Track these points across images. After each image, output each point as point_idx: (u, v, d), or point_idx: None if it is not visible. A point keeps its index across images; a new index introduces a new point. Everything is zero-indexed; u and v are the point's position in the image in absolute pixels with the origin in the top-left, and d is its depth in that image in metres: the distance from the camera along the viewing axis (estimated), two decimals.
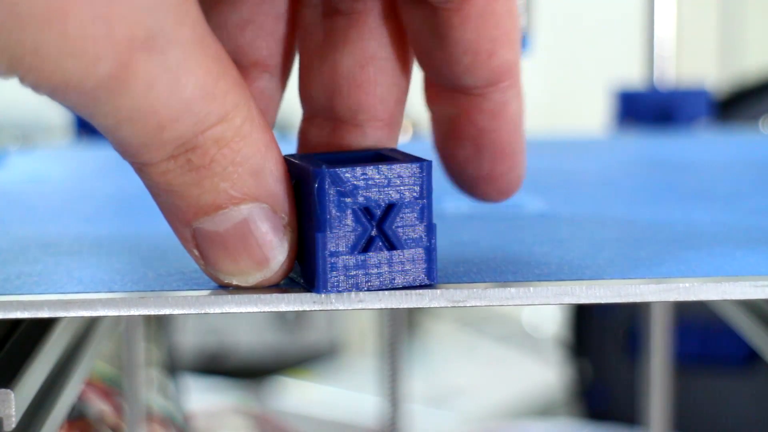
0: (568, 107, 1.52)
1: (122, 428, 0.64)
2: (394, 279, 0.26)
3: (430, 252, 0.27)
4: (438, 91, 0.30)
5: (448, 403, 1.11)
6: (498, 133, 0.29)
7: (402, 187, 0.26)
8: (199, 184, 0.25)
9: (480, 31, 0.27)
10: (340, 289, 0.26)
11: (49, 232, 0.34)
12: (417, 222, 0.26)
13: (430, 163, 0.26)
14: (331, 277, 0.26)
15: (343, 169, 0.26)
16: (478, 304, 0.26)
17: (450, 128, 0.30)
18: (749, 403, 0.96)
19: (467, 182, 0.30)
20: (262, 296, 0.26)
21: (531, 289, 0.27)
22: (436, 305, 0.26)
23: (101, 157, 0.53)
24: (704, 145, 0.60)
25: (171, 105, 0.24)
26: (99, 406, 0.65)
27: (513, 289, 0.27)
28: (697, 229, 0.35)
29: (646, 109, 0.67)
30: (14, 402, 0.26)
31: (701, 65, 1.45)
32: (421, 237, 0.26)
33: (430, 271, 0.27)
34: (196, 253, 0.26)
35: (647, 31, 0.72)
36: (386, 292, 0.26)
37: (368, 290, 0.26)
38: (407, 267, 0.26)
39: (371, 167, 0.26)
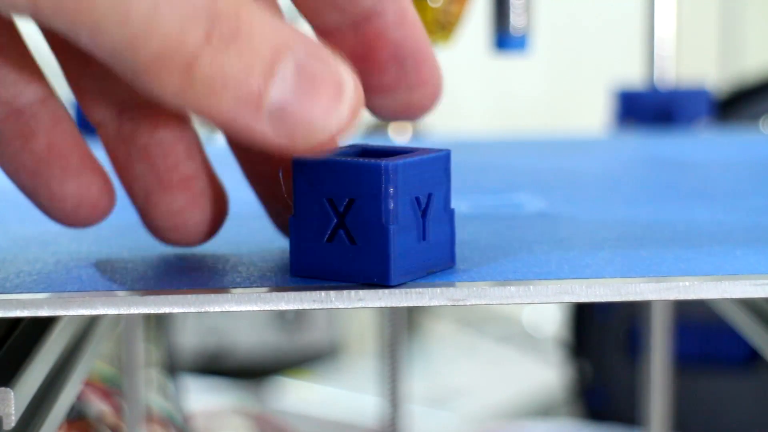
0: (568, 107, 1.52)
1: (122, 428, 0.64)
2: (355, 273, 0.27)
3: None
4: (340, 36, 0.30)
5: (448, 404, 1.11)
6: (411, 39, 0.29)
7: (365, 185, 0.26)
8: (242, 54, 0.24)
9: None
10: (307, 274, 0.27)
11: (48, 231, 0.34)
12: (377, 221, 0.26)
13: (393, 166, 0.26)
14: (300, 262, 0.27)
15: (313, 160, 0.27)
16: (478, 302, 0.26)
17: (366, 66, 0.29)
18: (749, 403, 0.96)
19: (396, 104, 0.30)
20: (262, 295, 0.26)
21: (531, 287, 0.27)
22: (437, 304, 0.26)
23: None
24: (704, 145, 0.60)
25: None
26: (99, 406, 0.65)
27: (513, 288, 0.27)
28: (697, 228, 0.35)
29: (646, 109, 0.67)
30: (14, 401, 0.26)
31: (701, 65, 1.45)
32: (379, 236, 0.26)
33: (386, 272, 0.26)
34: (277, 133, 0.25)
35: (647, 31, 0.72)
36: (386, 291, 0.26)
37: (332, 281, 0.27)
38: (366, 263, 0.27)
39: (338, 161, 0.26)
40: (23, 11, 0.23)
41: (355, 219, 0.27)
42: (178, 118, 0.30)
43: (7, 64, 0.29)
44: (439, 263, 0.28)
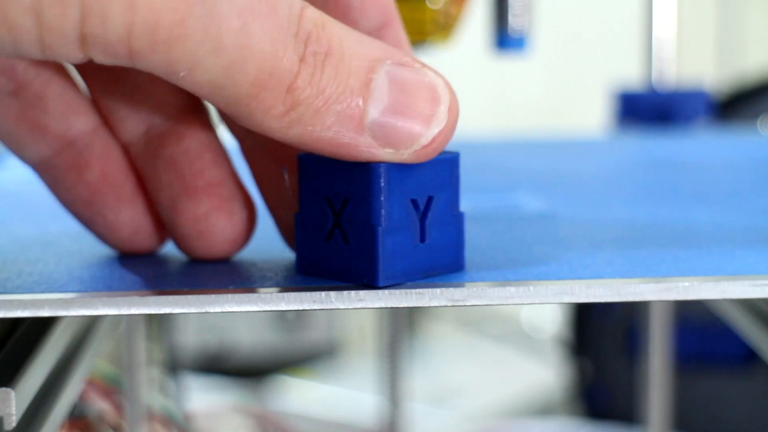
0: (568, 107, 1.52)
1: (123, 427, 0.64)
2: (349, 272, 0.27)
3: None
4: None
5: (448, 403, 1.11)
6: None
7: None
8: (338, 70, 0.25)
9: None
10: (310, 272, 0.27)
11: (49, 232, 0.34)
12: (367, 222, 0.26)
13: (385, 166, 0.26)
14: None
15: (314, 158, 0.27)
16: (478, 303, 0.27)
17: None
18: (749, 403, 0.96)
19: None
20: (263, 295, 0.26)
21: (531, 288, 0.27)
22: (436, 304, 0.26)
23: None
24: (704, 145, 0.60)
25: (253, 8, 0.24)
26: (99, 405, 0.65)
27: (513, 288, 0.27)
28: (697, 229, 0.35)
29: (646, 109, 0.67)
30: (15, 401, 0.26)
31: (701, 65, 1.45)
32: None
33: (374, 273, 0.26)
34: (381, 146, 0.25)
35: (647, 31, 0.72)
36: (386, 291, 0.26)
37: (330, 279, 0.27)
38: (358, 263, 0.27)
39: (335, 160, 0.26)
40: (121, 59, 0.24)
41: (348, 219, 0.27)
42: (205, 127, 0.30)
43: (57, 96, 0.29)
44: (443, 267, 0.28)
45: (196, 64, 0.24)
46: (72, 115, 0.29)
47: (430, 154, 0.26)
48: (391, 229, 0.26)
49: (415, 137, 0.26)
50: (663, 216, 0.38)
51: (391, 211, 0.26)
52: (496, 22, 0.58)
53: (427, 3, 0.51)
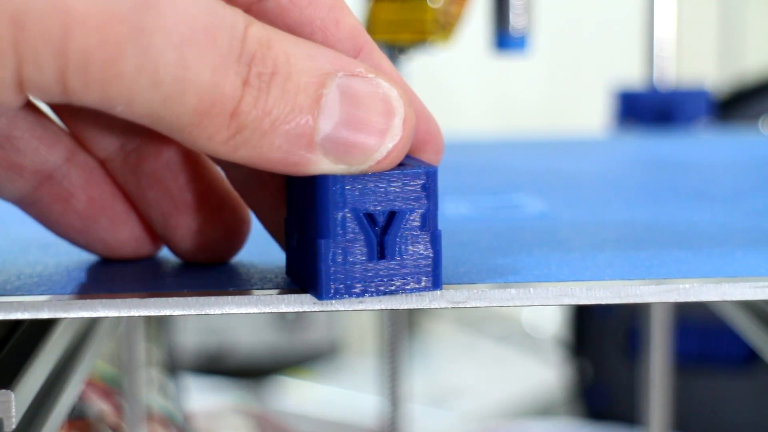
0: (568, 107, 1.52)
1: (122, 428, 0.64)
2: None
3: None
4: None
5: (448, 403, 1.11)
6: None
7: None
8: (285, 89, 0.24)
9: (316, 6, 0.27)
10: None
11: (48, 234, 0.33)
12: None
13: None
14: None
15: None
16: (478, 305, 0.26)
17: None
18: (749, 403, 0.96)
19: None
20: (262, 297, 0.26)
21: (531, 290, 0.27)
22: (437, 306, 0.26)
23: None
24: (704, 145, 0.60)
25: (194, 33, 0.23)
26: (99, 405, 0.65)
27: (513, 290, 0.27)
28: (697, 230, 0.35)
29: (646, 109, 0.67)
30: (14, 403, 0.26)
31: (701, 65, 1.45)
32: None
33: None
34: (334, 161, 0.25)
35: (647, 31, 0.72)
36: (386, 294, 0.26)
37: (297, 285, 0.26)
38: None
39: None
40: (56, 97, 0.23)
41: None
42: None
43: (26, 133, 0.28)
44: (410, 285, 0.26)
45: (132, 99, 0.23)
46: (45, 148, 0.29)
47: (385, 168, 0.25)
48: (339, 243, 0.25)
49: (369, 152, 0.25)
50: (663, 217, 0.38)
51: (338, 225, 0.25)
52: (496, 22, 0.58)
53: (429, 2, 0.51)
